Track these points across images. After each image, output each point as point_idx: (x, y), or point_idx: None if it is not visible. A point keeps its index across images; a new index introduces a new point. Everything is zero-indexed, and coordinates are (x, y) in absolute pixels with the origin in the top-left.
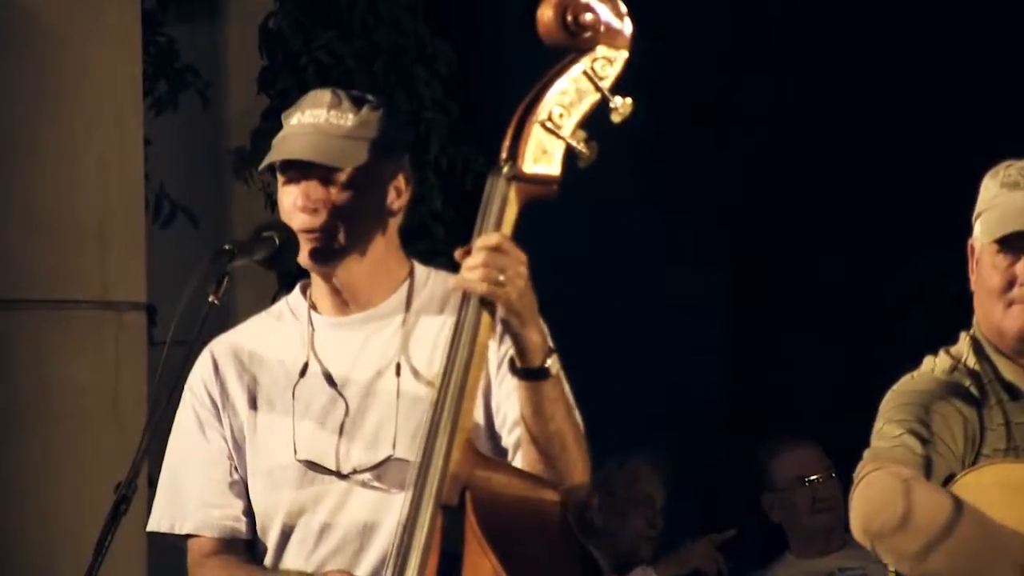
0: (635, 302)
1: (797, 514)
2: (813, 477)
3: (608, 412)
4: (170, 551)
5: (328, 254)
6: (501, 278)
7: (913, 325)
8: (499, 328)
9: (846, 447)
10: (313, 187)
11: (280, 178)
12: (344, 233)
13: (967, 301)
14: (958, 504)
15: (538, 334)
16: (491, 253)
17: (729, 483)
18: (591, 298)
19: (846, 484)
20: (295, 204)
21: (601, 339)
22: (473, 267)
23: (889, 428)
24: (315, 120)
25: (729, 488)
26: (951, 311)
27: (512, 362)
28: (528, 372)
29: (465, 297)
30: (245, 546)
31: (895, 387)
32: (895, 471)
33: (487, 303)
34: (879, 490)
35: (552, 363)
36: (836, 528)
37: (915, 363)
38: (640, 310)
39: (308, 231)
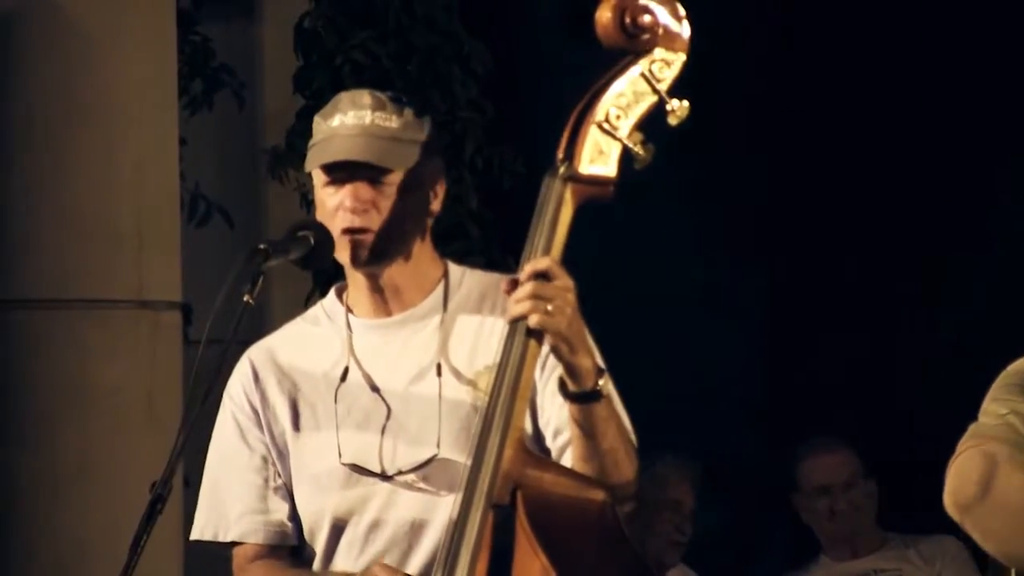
0: (670, 302)
1: (819, 519)
2: (833, 485)
3: (643, 413)
4: (206, 551)
5: (376, 255)
6: (549, 308)
7: (948, 325)
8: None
9: (883, 446)
10: (362, 188)
11: (323, 178)
12: (392, 234)
13: (1000, 300)
14: None
15: (588, 358)
16: (538, 284)
17: (765, 483)
18: (626, 298)
19: (884, 483)
20: (342, 204)
21: (636, 339)
22: (520, 299)
23: (995, 407)
24: (360, 121)
25: (764, 488)
26: (986, 310)
27: (563, 385)
28: (579, 396)
29: (513, 322)
30: (290, 552)
31: (1008, 368)
32: (991, 449)
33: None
34: (970, 466)
35: (603, 384)
36: (863, 531)
37: (950, 362)
38: (675, 310)
39: (356, 231)
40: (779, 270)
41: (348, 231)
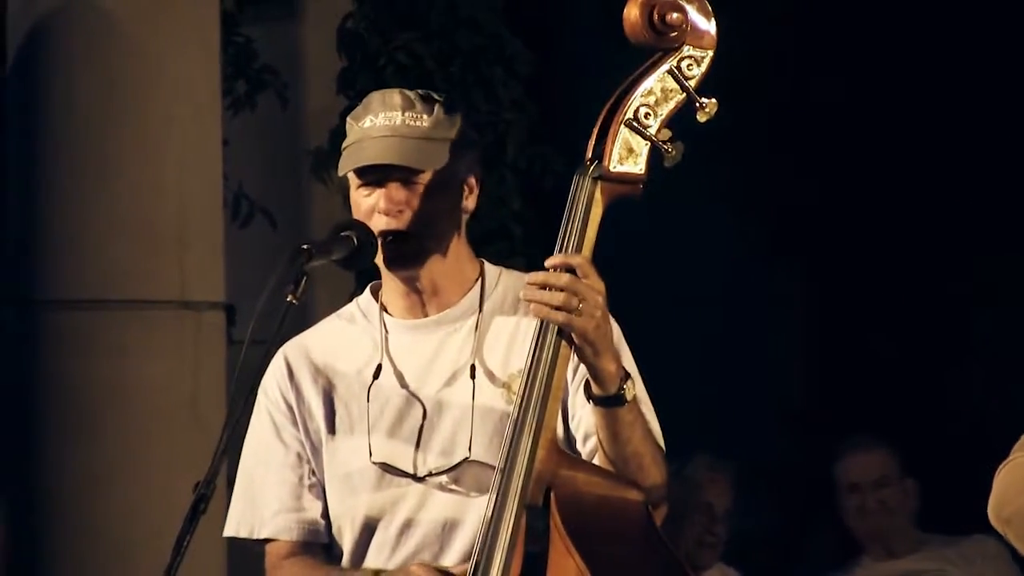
0: (711, 304)
1: (850, 517)
2: (863, 484)
3: (684, 415)
4: (249, 550)
5: (412, 256)
6: (580, 306)
7: (987, 324)
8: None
9: (920, 446)
10: (395, 189)
11: (356, 182)
12: (428, 234)
13: None
14: None
15: (612, 363)
16: (570, 280)
17: (809, 484)
18: (666, 298)
19: (924, 482)
20: (376, 207)
21: (677, 341)
22: (551, 286)
23: None
24: (390, 122)
25: (809, 489)
26: (1018, 311)
27: (587, 387)
28: (604, 399)
29: (544, 320)
30: (323, 549)
31: None
32: None
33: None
34: (1016, 477)
35: (628, 389)
36: (896, 531)
37: (990, 362)
38: (713, 311)
39: (392, 233)
40: (817, 270)
41: (383, 234)
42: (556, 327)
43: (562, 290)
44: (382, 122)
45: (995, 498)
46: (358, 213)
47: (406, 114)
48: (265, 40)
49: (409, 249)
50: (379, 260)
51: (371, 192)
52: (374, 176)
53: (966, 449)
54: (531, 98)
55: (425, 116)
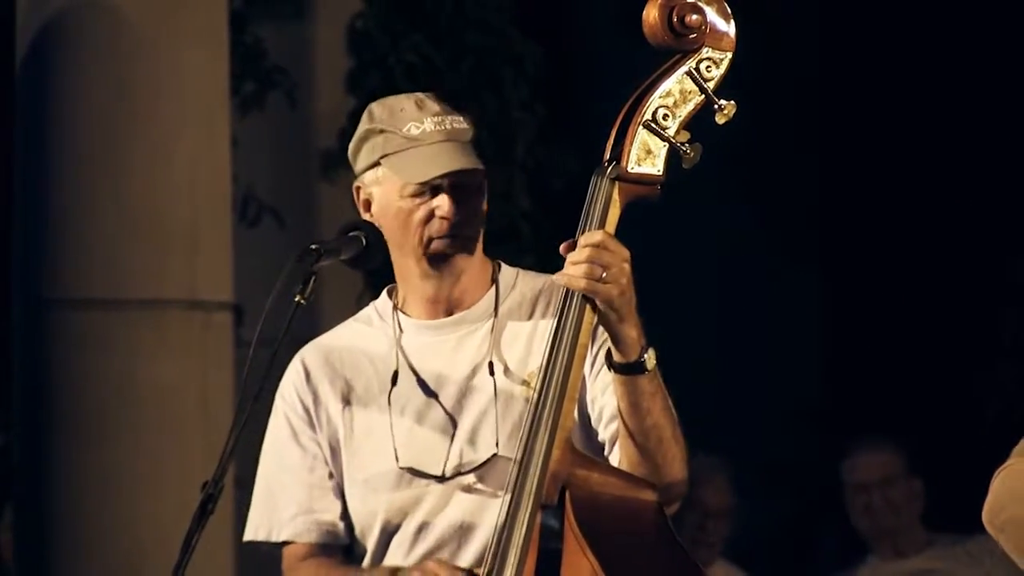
0: (727, 301)
1: (857, 516)
2: (869, 483)
3: (698, 414)
4: (259, 551)
5: (463, 258)
6: (604, 275)
7: (1005, 326)
8: (594, 324)
9: (938, 446)
10: (456, 193)
11: (407, 188)
12: (475, 236)
13: None
14: None
15: (635, 329)
16: (594, 250)
17: (820, 483)
18: (684, 297)
19: (934, 483)
20: (437, 212)
21: (692, 340)
22: (576, 263)
23: None
24: (442, 127)
25: (819, 488)
26: None
27: (609, 356)
28: (625, 367)
29: (568, 294)
30: (342, 550)
31: None
32: None
33: (589, 300)
34: (1011, 484)
35: (649, 357)
36: (903, 529)
37: (1009, 362)
38: (731, 309)
39: (450, 237)
40: (838, 269)
41: (445, 237)
42: (575, 321)
43: (585, 262)
44: (432, 127)
45: (989, 505)
46: (409, 221)
47: (449, 118)
48: (274, 40)
49: (462, 251)
50: (416, 264)
51: (426, 199)
52: (436, 181)
53: (993, 450)
54: (541, 98)
55: (463, 120)
